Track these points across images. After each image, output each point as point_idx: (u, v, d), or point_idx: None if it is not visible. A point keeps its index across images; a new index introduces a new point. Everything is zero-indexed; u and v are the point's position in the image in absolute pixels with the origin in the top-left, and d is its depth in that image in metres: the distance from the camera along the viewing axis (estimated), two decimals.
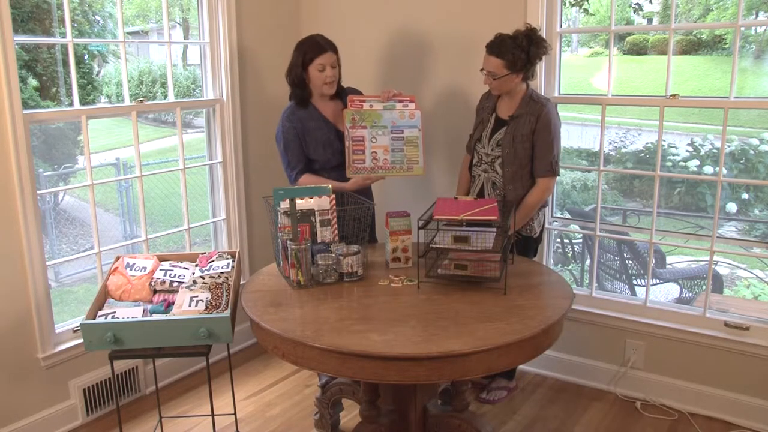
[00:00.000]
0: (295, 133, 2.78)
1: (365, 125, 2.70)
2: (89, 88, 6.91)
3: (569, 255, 4.99)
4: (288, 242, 2.27)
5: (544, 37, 2.72)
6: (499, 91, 2.76)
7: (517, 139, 2.72)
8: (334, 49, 2.75)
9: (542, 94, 3.01)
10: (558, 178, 2.80)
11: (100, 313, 2.30)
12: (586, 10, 6.10)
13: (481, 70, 2.73)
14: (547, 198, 2.84)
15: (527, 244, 2.86)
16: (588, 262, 4.56)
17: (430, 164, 3.24)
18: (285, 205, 2.32)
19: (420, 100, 3.42)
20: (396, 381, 1.83)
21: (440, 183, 3.42)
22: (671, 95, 2.82)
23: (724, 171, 2.88)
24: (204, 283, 2.43)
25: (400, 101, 2.73)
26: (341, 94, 2.87)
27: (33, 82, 5.97)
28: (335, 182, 2.71)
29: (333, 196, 2.44)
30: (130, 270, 2.51)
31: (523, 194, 2.75)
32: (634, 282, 4.39)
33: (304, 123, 2.79)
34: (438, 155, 3.41)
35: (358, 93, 2.96)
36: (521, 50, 2.62)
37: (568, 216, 4.39)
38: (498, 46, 2.64)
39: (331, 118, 2.83)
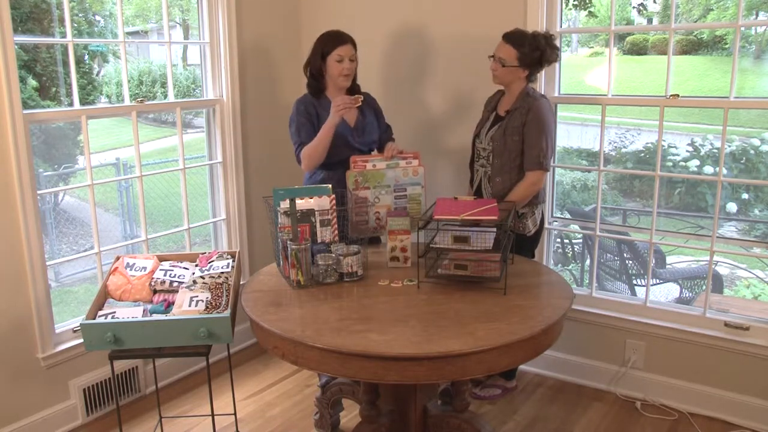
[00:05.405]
0: (307, 115, 2.79)
1: (368, 186, 2.70)
2: (89, 88, 6.91)
3: (569, 255, 4.99)
4: (288, 242, 2.27)
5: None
6: (501, 80, 2.77)
7: (508, 131, 2.73)
8: (353, 43, 2.81)
9: (542, 92, 3.01)
10: (558, 178, 2.80)
11: (100, 313, 2.30)
12: (590, 12, 6.10)
13: (490, 56, 2.74)
14: (535, 192, 2.77)
15: (521, 243, 2.79)
16: (588, 262, 4.56)
17: (433, 164, 3.23)
18: (285, 205, 2.32)
19: (419, 99, 3.43)
20: (396, 381, 1.83)
21: (444, 183, 3.41)
22: (671, 95, 2.82)
23: (725, 171, 2.88)
24: (204, 283, 2.43)
25: (404, 158, 2.74)
26: (354, 91, 2.88)
27: (33, 82, 5.96)
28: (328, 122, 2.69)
29: (333, 195, 2.44)
30: (130, 270, 2.51)
31: (510, 187, 2.75)
32: (634, 282, 4.39)
33: (317, 110, 2.81)
34: (440, 155, 3.41)
35: (372, 99, 2.97)
36: (537, 48, 2.66)
37: (568, 216, 4.40)
38: (517, 36, 2.68)
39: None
